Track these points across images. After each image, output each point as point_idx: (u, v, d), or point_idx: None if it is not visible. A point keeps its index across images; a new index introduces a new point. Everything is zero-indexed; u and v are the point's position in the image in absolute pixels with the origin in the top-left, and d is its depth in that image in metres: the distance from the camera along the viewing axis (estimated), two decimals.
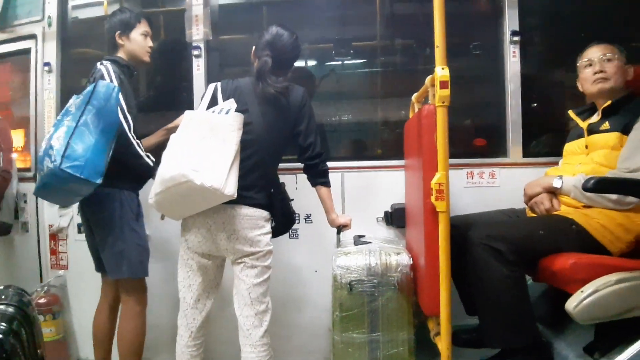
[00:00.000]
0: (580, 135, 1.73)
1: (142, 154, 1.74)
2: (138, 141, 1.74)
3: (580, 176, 1.55)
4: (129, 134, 1.70)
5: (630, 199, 1.46)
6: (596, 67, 1.69)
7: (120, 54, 1.85)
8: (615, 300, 1.33)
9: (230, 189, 1.46)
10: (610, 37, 1.77)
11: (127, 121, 1.70)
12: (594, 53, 1.71)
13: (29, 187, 2.40)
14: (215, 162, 1.45)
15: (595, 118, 1.73)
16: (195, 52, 2.29)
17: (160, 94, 2.57)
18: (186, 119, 1.57)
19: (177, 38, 2.38)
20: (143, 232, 1.85)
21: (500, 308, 1.48)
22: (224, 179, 1.44)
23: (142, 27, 1.87)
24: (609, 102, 1.66)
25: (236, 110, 1.57)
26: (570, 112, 1.83)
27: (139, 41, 1.87)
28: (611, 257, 1.46)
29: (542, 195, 1.65)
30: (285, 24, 1.70)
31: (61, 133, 1.53)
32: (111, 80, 1.71)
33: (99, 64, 1.77)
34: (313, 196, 1.76)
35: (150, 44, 1.91)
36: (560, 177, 1.63)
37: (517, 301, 1.48)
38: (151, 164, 1.74)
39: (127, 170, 1.75)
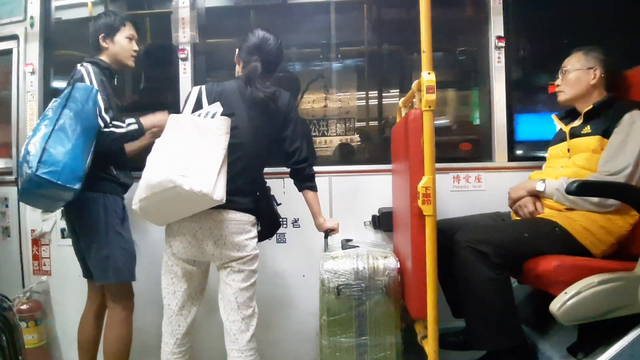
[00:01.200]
0: (563, 139, 1.76)
1: (122, 130, 1.66)
2: (116, 122, 1.66)
3: (563, 180, 1.57)
4: (103, 118, 1.63)
5: (611, 201, 1.49)
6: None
7: (103, 57, 1.83)
8: (598, 301, 1.35)
9: (219, 193, 1.44)
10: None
11: (103, 119, 1.64)
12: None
13: (10, 191, 2.35)
14: (203, 166, 1.43)
15: (577, 122, 1.75)
16: (182, 55, 2.27)
17: (146, 96, 2.54)
18: (171, 122, 1.55)
19: (163, 41, 2.35)
20: (129, 236, 1.82)
21: (486, 310, 1.50)
22: (212, 183, 1.42)
23: (127, 30, 1.85)
24: (590, 106, 1.68)
25: (222, 114, 1.55)
26: (554, 117, 1.86)
27: (123, 44, 1.84)
28: (593, 258, 1.49)
29: (526, 198, 1.68)
30: (269, 28, 1.69)
31: (38, 138, 1.51)
32: (91, 82, 1.68)
33: (79, 65, 1.75)
34: (300, 201, 1.76)
35: (135, 47, 1.89)
36: (543, 180, 1.65)
37: (503, 303, 1.50)
38: (137, 127, 1.69)
39: (111, 173, 1.72)
